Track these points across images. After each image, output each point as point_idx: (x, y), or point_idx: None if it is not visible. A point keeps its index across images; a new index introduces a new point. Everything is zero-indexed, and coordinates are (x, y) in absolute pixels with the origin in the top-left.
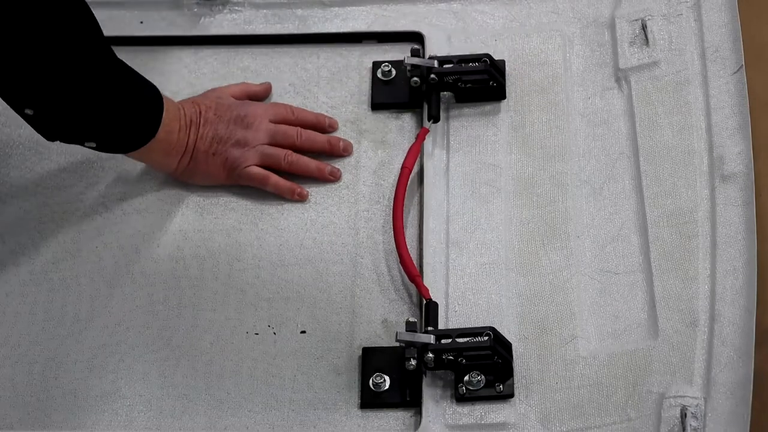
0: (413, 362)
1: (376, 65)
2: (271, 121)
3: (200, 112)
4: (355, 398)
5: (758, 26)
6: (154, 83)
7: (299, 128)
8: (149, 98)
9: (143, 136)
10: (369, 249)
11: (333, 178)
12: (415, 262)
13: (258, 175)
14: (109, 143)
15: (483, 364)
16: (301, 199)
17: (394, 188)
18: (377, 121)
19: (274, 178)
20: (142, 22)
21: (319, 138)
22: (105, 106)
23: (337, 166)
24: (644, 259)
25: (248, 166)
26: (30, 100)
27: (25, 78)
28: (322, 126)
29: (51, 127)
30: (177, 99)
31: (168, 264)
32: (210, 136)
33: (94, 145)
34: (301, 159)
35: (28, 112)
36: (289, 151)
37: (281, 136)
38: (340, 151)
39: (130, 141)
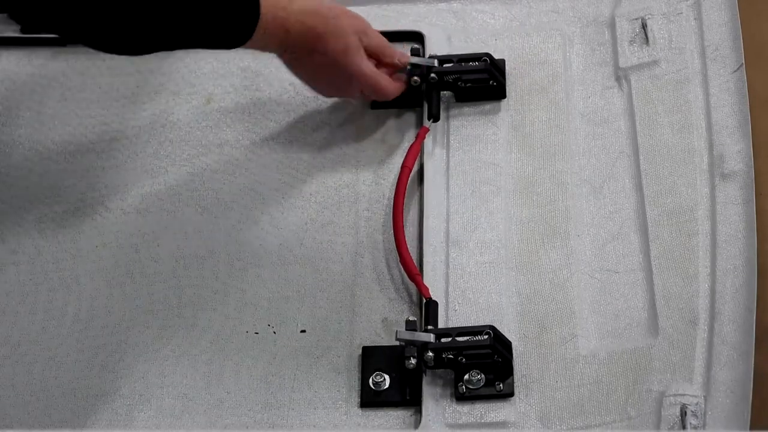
0: (413, 361)
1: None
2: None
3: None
4: (355, 397)
5: (758, 25)
6: (155, 83)
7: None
8: None
9: (246, 25)
10: (369, 248)
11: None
12: (415, 261)
13: (369, 71)
14: (212, 38)
15: (483, 362)
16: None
17: (394, 187)
18: (377, 121)
19: (382, 76)
20: None
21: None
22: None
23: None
24: (644, 257)
25: (358, 53)
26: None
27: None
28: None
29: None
30: (177, 98)
31: (168, 264)
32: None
33: (200, 45)
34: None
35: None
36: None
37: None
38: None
39: (231, 39)
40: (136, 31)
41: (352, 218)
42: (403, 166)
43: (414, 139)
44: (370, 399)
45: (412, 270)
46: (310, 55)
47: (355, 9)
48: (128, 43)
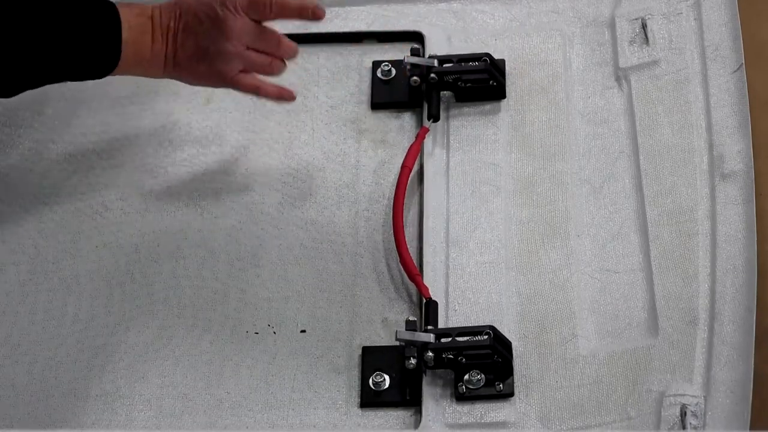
0: (413, 361)
1: (376, 65)
2: (251, 20)
3: (179, 15)
4: (355, 397)
5: (758, 25)
6: (155, 83)
7: (278, 35)
8: (103, 22)
9: (106, 61)
10: (369, 248)
11: (317, 15)
12: (415, 261)
13: (249, 86)
14: (73, 75)
15: (483, 362)
16: (291, 99)
17: (394, 187)
18: (377, 121)
19: (264, 87)
20: None
21: (291, 47)
22: (45, 40)
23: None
24: (644, 257)
25: (234, 75)
26: None
27: None
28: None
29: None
30: (177, 98)
31: (168, 264)
32: (191, 44)
33: (64, 80)
34: (281, 65)
35: None
36: (274, 59)
37: (262, 42)
38: (309, 15)
39: (94, 68)
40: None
41: (352, 218)
42: (403, 166)
43: (414, 139)
44: (370, 399)
45: (412, 270)
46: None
47: (355, 9)
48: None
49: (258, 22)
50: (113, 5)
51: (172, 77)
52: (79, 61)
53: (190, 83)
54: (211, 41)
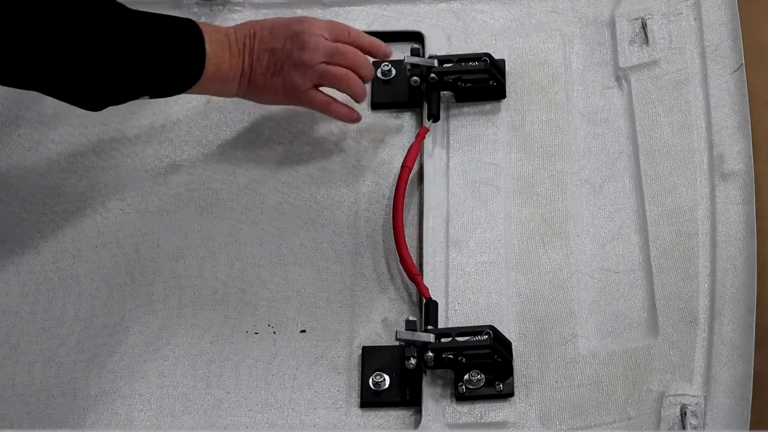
0: (413, 361)
1: (376, 65)
2: (327, 39)
3: (254, 34)
4: (355, 397)
5: (758, 25)
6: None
7: (356, 50)
8: (187, 37)
9: (191, 74)
10: (369, 248)
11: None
12: (415, 261)
13: (320, 101)
14: (158, 90)
15: (483, 362)
16: (357, 120)
17: (394, 187)
18: (377, 121)
19: (334, 105)
20: None
21: (368, 66)
22: (136, 55)
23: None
24: (644, 257)
25: (308, 89)
26: (68, 73)
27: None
28: (378, 52)
29: (96, 93)
30: (177, 98)
31: (168, 264)
32: (266, 58)
33: (147, 96)
34: (358, 80)
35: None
36: (350, 72)
37: (340, 56)
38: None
39: (179, 82)
40: (97, 86)
41: (352, 218)
42: (403, 166)
43: (414, 139)
44: (370, 399)
45: (412, 270)
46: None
47: (355, 9)
48: (90, 98)
49: None
50: (194, 22)
51: (246, 95)
52: (165, 74)
53: (263, 101)
54: (286, 54)
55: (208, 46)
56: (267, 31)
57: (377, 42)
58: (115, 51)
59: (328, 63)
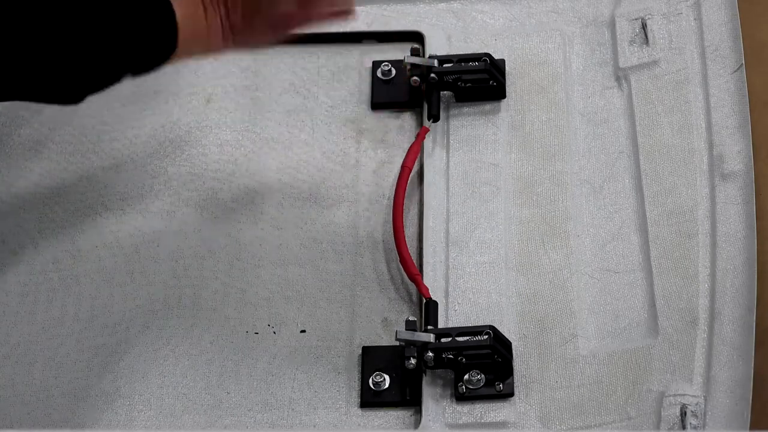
0: (413, 361)
1: (376, 65)
2: None
3: None
4: (355, 397)
5: (758, 25)
6: (154, 83)
7: None
8: (150, 3)
9: (165, 41)
10: (369, 248)
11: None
12: (415, 261)
13: (311, 14)
14: (135, 65)
15: (483, 362)
16: (353, 12)
17: (394, 187)
18: (377, 121)
19: (327, 6)
20: None
21: None
22: (100, 30)
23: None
24: (644, 257)
25: (293, 12)
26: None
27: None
28: None
29: (69, 82)
30: (177, 98)
31: (168, 264)
32: (240, 1)
33: (129, 75)
34: None
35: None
36: None
37: None
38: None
39: (155, 52)
40: (68, 77)
41: (352, 218)
42: (403, 166)
43: (414, 139)
44: (370, 399)
45: (412, 270)
46: None
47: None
48: (62, 92)
49: None
50: None
51: (236, 46)
52: (137, 48)
53: (254, 47)
54: None
55: (177, 8)
56: None
57: None
58: (78, 29)
59: None
